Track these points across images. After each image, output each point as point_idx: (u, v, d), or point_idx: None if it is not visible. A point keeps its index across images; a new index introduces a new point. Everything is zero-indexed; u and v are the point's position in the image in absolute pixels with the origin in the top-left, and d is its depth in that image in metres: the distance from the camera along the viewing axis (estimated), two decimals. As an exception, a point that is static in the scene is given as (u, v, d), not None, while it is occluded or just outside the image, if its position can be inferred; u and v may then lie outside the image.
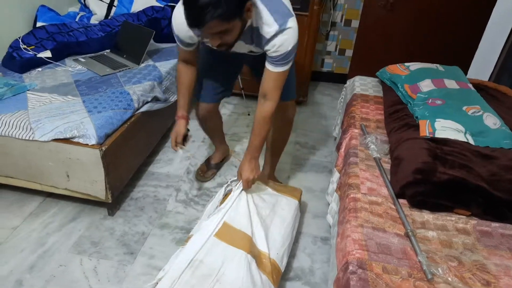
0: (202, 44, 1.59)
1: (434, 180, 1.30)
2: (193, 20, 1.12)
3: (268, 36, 1.27)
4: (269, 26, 1.26)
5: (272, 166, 2.05)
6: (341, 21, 3.24)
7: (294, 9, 1.35)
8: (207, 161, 2.21)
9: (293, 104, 1.82)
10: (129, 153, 1.89)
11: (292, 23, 1.27)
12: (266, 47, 1.31)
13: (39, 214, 1.82)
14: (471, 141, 1.51)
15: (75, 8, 2.86)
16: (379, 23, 3.09)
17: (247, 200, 1.54)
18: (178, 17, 1.32)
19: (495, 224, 1.26)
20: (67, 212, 1.84)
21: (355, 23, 3.21)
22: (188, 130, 1.68)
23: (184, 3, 1.12)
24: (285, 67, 1.36)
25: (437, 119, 1.60)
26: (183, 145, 1.66)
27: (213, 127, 2.04)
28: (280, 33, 1.26)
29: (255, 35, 1.32)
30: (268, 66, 1.37)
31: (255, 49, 1.43)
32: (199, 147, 2.42)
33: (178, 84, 1.63)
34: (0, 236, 1.68)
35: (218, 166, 2.22)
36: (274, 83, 1.40)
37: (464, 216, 1.29)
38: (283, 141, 1.95)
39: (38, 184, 1.78)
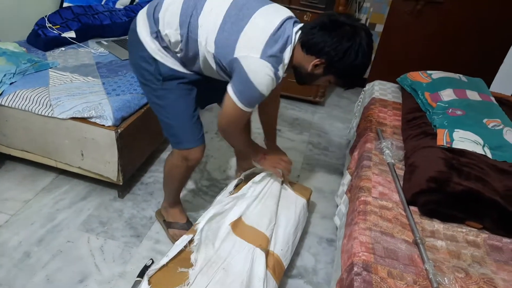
0: (176, 91, 1.39)
1: (448, 190, 1.28)
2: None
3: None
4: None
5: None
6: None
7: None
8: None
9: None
10: (144, 138, 1.91)
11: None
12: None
13: (51, 190, 1.86)
14: (489, 155, 1.48)
15: (102, -9, 2.90)
16: (404, 29, 3.04)
17: (260, 195, 1.55)
18: (270, 77, 1.17)
19: (506, 240, 1.23)
20: (78, 191, 1.87)
21: (379, 27, 3.17)
22: None
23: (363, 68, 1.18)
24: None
25: (455, 129, 1.57)
26: None
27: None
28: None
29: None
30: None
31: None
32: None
33: (240, 141, 1.50)
34: (12, 208, 1.72)
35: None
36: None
37: (475, 229, 1.27)
38: None
39: (53, 161, 1.81)
